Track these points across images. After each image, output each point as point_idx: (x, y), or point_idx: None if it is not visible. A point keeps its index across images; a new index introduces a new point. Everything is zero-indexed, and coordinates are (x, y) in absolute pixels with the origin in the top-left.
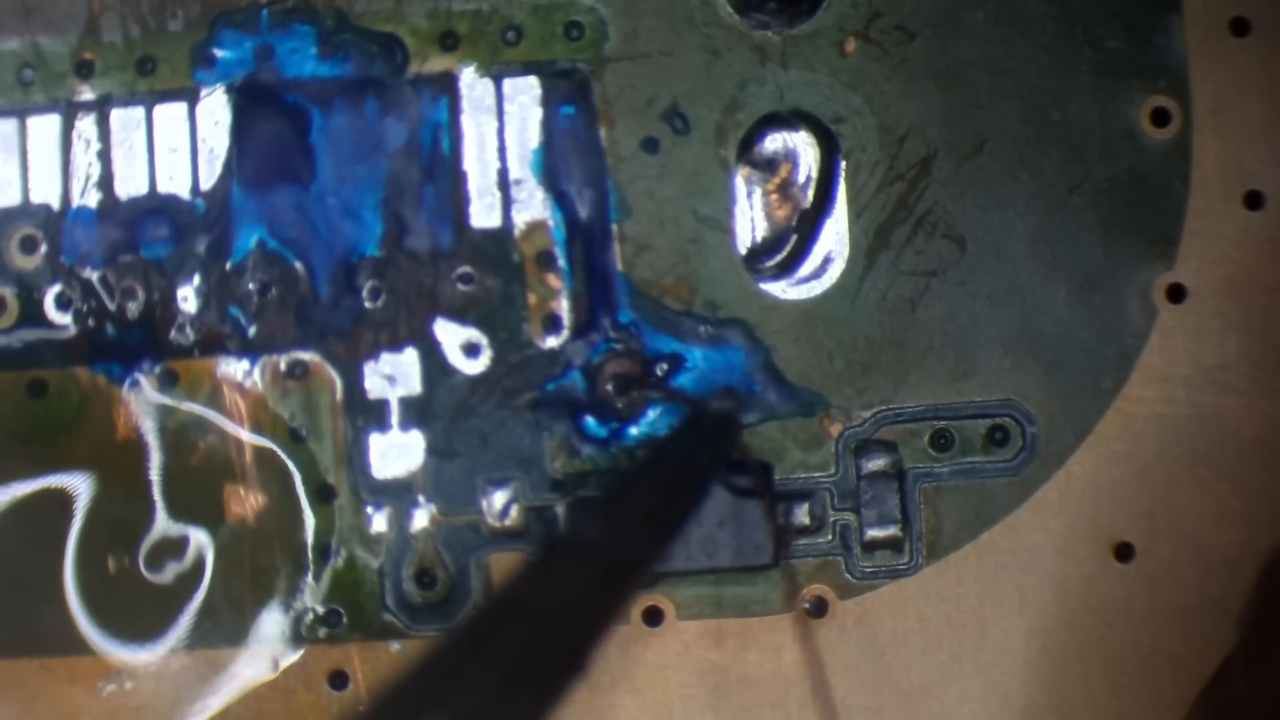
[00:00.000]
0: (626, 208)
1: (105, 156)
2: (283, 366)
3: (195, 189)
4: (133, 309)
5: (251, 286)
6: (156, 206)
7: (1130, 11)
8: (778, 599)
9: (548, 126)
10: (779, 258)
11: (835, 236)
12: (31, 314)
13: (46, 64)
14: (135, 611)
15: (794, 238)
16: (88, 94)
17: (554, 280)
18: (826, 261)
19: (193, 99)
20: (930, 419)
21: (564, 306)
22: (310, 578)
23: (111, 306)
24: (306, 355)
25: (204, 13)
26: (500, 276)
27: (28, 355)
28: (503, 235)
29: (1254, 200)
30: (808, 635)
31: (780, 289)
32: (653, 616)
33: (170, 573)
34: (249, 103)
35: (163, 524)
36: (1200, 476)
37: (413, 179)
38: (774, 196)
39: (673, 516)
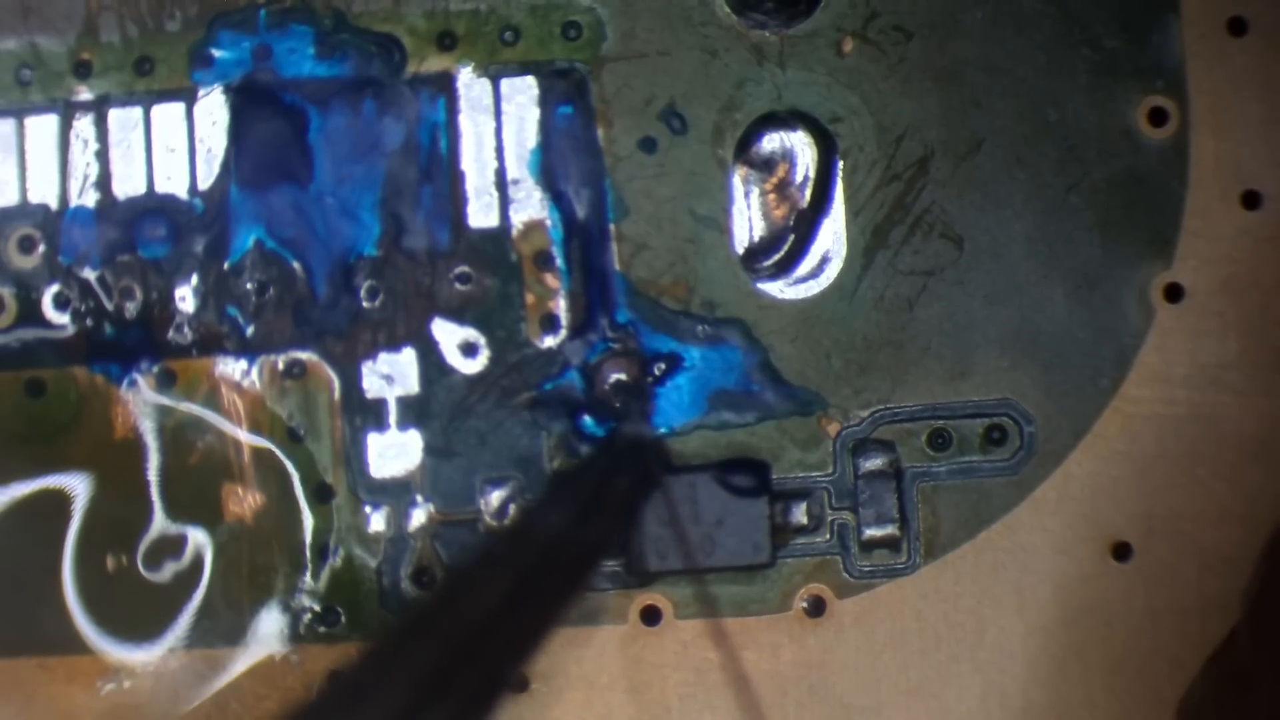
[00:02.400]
0: (624, 207)
1: (103, 156)
2: (280, 366)
3: (193, 189)
4: (131, 309)
5: (249, 286)
6: (154, 206)
7: (1128, 11)
8: (776, 598)
9: (545, 126)
10: (777, 257)
11: (833, 236)
12: (29, 314)
13: (44, 64)
14: (134, 611)
15: (791, 237)
16: (85, 94)
17: (552, 280)
18: (824, 261)
19: (190, 99)
20: (928, 418)
21: (562, 306)
22: (308, 577)
23: (109, 306)
24: (304, 355)
25: (202, 13)
26: (498, 276)
27: (26, 355)
28: (500, 235)
29: (1251, 200)
30: (725, 641)
31: (778, 288)
32: (651, 616)
33: (168, 572)
34: (247, 103)
35: (161, 523)
36: (1198, 476)
37: (410, 179)
38: (771, 196)
39: (596, 538)
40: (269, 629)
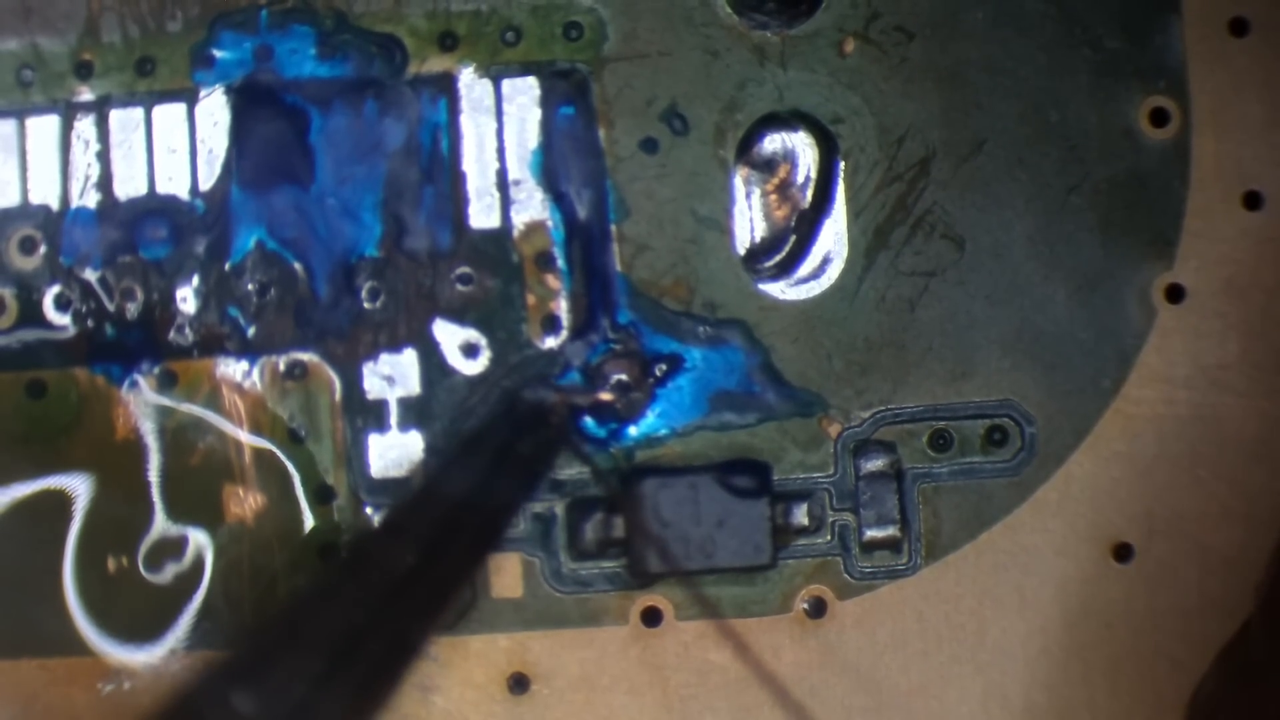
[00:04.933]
0: (625, 208)
1: (104, 157)
2: (282, 367)
3: (194, 190)
4: (132, 310)
5: (250, 287)
6: (156, 207)
7: (1129, 12)
8: (777, 599)
9: (547, 127)
10: (778, 258)
11: (834, 237)
12: (31, 315)
13: (46, 64)
14: (134, 612)
15: (793, 238)
16: (87, 95)
17: (553, 281)
18: (825, 262)
19: (192, 99)
20: (929, 419)
21: (563, 307)
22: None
23: (110, 307)
24: (305, 356)
25: (203, 13)
26: (499, 277)
27: (27, 356)
28: (502, 236)
29: (1253, 200)
30: (734, 639)
31: (779, 289)
32: (651, 617)
33: (169, 573)
34: (248, 103)
35: (162, 524)
36: (1199, 477)
37: (412, 180)
38: (773, 197)
39: (499, 503)
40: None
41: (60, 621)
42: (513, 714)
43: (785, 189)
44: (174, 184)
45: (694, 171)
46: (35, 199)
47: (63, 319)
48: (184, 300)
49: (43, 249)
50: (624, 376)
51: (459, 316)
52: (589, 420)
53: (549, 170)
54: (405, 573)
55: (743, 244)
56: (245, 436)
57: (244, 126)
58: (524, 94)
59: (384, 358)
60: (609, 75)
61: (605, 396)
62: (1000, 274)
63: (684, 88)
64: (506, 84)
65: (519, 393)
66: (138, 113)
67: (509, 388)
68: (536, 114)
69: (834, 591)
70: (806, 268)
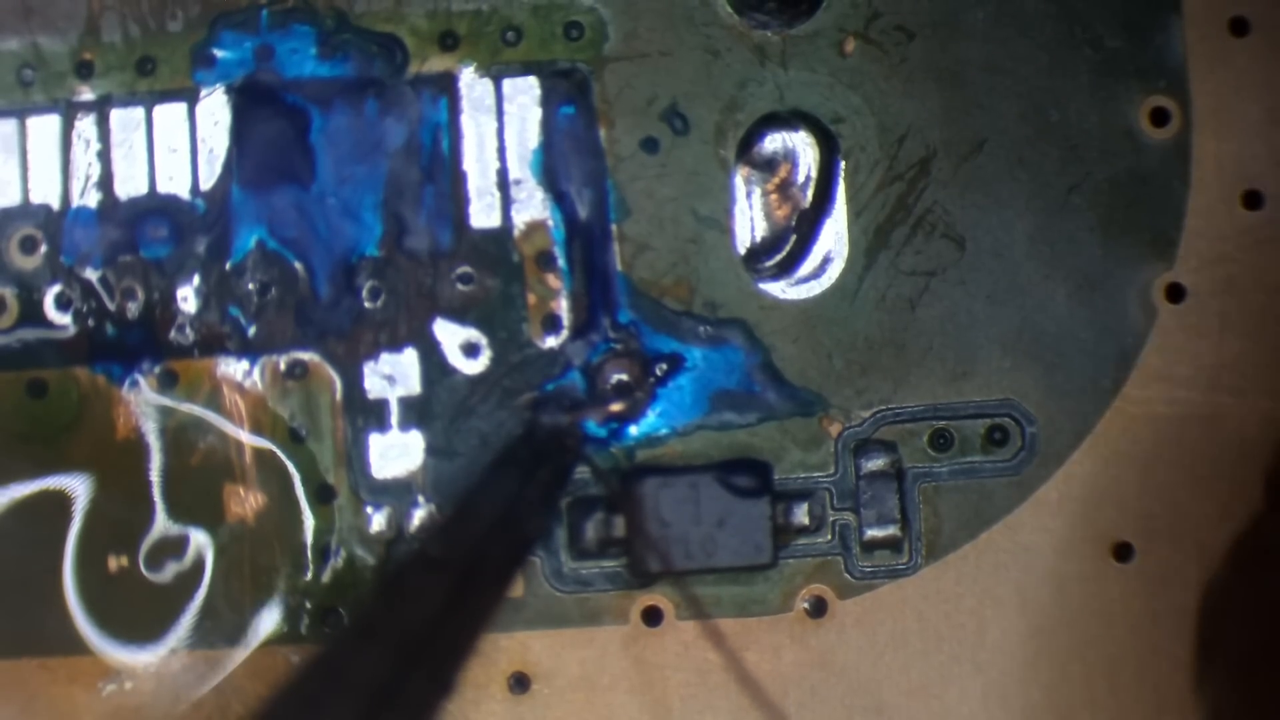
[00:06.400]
0: (626, 208)
1: (105, 157)
2: (282, 367)
3: (195, 189)
4: (132, 309)
5: (251, 287)
6: (156, 207)
7: (1130, 11)
8: (777, 599)
9: (547, 126)
10: (778, 258)
11: (835, 236)
12: (31, 314)
13: (46, 64)
14: (135, 612)
15: (793, 238)
16: (87, 94)
17: (553, 280)
18: (826, 261)
19: (192, 99)
20: (929, 419)
21: (563, 306)
22: (310, 578)
23: (111, 306)
24: (306, 355)
25: (204, 13)
26: (500, 276)
27: (27, 355)
28: (502, 235)
29: (1253, 200)
30: (722, 642)
31: (780, 289)
32: (652, 616)
33: (170, 573)
34: (249, 103)
35: (162, 524)
36: (1200, 476)
37: (412, 179)
38: (773, 196)
39: (521, 531)
40: (270, 630)
41: (61, 621)
42: (513, 713)
43: (786, 188)
44: (175, 183)
45: (695, 171)
46: (36, 198)
47: (63, 318)
48: (185, 300)
49: (43, 248)
50: (624, 376)
51: (460, 316)
52: (590, 420)
53: (549, 170)
54: (438, 611)
55: (743, 243)
56: (246, 436)
57: (245, 126)
58: (525, 93)
59: (385, 357)
60: (610, 75)
61: (616, 408)
62: (1001, 273)
63: (685, 87)
64: (507, 83)
65: (535, 419)
66: (138, 112)
67: (527, 416)
68: (537, 113)
69: (834, 591)
70: (807, 267)
